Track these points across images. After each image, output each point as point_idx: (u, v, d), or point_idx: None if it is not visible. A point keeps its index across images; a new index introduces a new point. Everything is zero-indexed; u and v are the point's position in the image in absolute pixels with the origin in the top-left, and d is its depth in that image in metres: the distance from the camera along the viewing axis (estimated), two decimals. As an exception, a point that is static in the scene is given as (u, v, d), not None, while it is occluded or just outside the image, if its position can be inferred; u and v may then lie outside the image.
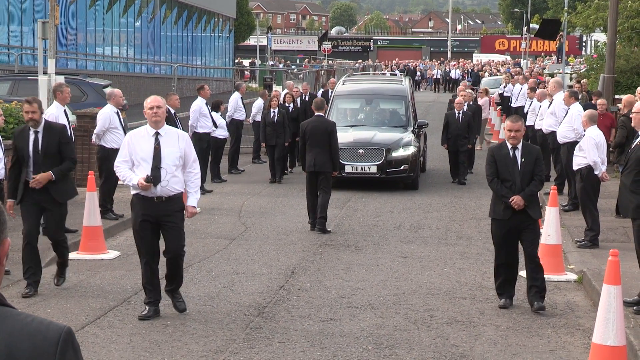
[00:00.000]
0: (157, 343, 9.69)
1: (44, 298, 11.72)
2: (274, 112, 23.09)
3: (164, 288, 10.77)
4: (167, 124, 19.21)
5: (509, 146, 10.94)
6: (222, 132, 22.77)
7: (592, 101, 22.28)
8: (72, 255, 14.19)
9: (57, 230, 11.76)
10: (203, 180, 21.16)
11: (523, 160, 10.91)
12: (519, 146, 10.95)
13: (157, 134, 10.35)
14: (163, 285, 10.77)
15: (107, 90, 20.31)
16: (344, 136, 20.41)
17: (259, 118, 24.86)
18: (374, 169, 20.83)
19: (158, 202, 10.33)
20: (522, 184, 10.82)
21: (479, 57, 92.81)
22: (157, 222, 10.42)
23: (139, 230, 10.48)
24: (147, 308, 10.55)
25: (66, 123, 15.61)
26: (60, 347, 2.71)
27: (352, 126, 22.35)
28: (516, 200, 10.68)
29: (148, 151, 10.30)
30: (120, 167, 10.50)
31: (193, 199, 10.63)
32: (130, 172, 10.35)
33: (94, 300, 11.65)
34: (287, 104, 24.96)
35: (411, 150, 21.21)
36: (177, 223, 10.52)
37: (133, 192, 10.47)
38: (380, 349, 9.82)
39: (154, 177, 10.10)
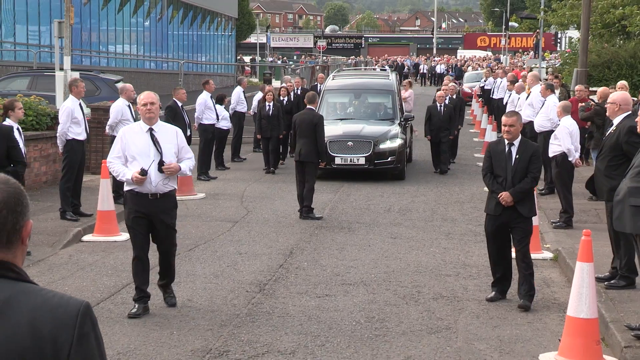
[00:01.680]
0: (166, 318, 9.71)
1: (62, 276, 11.74)
2: (269, 105, 22.94)
3: (156, 282, 10.24)
4: (174, 116, 19.47)
5: (506, 142, 10.39)
6: (225, 124, 22.78)
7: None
8: (88, 237, 14.25)
9: None
10: (208, 167, 21.24)
11: (518, 156, 10.29)
12: (516, 142, 10.34)
13: (151, 129, 9.71)
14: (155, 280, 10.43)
15: (119, 85, 20.29)
16: (334, 129, 20.27)
17: (259, 110, 24.84)
18: (362, 161, 20.54)
19: (152, 199, 9.72)
20: (513, 180, 10.22)
21: (463, 53, 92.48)
22: (151, 218, 9.79)
23: (132, 226, 9.87)
24: (137, 306, 9.87)
25: (81, 115, 15.66)
26: (80, 320, 2.72)
27: (341, 119, 22.09)
28: (504, 197, 10.11)
29: (142, 147, 9.64)
30: (113, 162, 9.81)
31: (183, 165, 9.81)
32: (124, 167, 9.68)
33: (108, 279, 11.68)
34: (281, 98, 24.76)
35: (398, 142, 20.92)
36: (170, 221, 9.89)
37: (127, 187, 9.86)
38: (371, 322, 9.84)
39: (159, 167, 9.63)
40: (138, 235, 9.85)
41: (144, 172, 9.42)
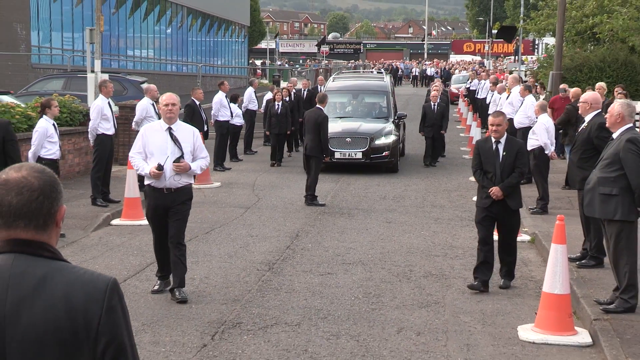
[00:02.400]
0: (185, 293, 9.71)
1: (93, 256, 11.75)
2: (277, 104, 22.91)
3: (167, 289, 9.75)
4: (193, 113, 19.48)
5: (493, 140, 10.13)
6: (238, 120, 22.76)
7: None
8: (116, 221, 14.27)
9: None
10: (223, 159, 21.24)
11: (505, 153, 10.03)
12: (502, 140, 10.10)
13: (169, 128, 9.41)
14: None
15: (144, 85, 20.27)
16: (334, 126, 20.09)
17: (269, 108, 24.80)
18: (359, 155, 20.37)
19: (167, 193, 9.40)
20: (502, 175, 9.94)
21: (456, 58, 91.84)
22: (167, 210, 9.47)
23: (151, 217, 9.67)
24: (159, 282, 9.83)
25: (110, 113, 15.67)
26: (108, 294, 2.74)
27: (340, 117, 21.87)
28: (494, 191, 9.86)
29: (160, 144, 9.37)
30: (134, 157, 9.55)
31: (194, 165, 9.46)
32: (144, 162, 9.41)
33: (133, 258, 11.69)
34: (284, 98, 24.60)
35: (392, 138, 20.74)
36: (183, 213, 9.53)
37: (146, 182, 9.57)
38: (368, 297, 9.85)
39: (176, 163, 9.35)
40: (156, 229, 9.67)
41: (160, 167, 9.24)
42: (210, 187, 18.13)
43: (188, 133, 9.58)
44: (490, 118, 10.34)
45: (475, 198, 11.09)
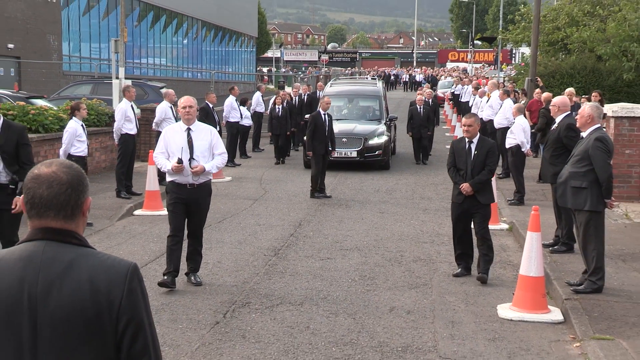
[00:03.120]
0: (200, 276, 9.69)
1: (118, 243, 11.73)
2: (278, 108, 22.82)
3: (184, 273, 9.48)
4: (206, 115, 19.45)
5: (466, 139, 9.75)
6: (247, 122, 22.76)
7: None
8: (138, 211, 14.25)
9: (10, 233, 8.40)
10: (233, 156, 21.21)
11: (476, 152, 9.62)
12: (475, 140, 9.69)
13: (188, 129, 9.15)
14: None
15: (163, 90, 20.23)
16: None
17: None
18: (354, 154, 20.15)
19: (190, 188, 9.09)
20: (472, 172, 9.56)
21: (451, 65, 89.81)
22: (188, 204, 9.16)
23: (172, 209, 9.22)
24: (166, 277, 9.15)
25: (133, 114, 15.66)
26: (129, 278, 2.74)
27: (337, 120, 21.51)
28: (464, 187, 9.52)
29: (180, 143, 9.06)
30: (157, 157, 9.29)
31: (208, 165, 9.12)
32: (166, 160, 9.11)
33: (154, 245, 11.67)
34: (283, 101, 24.44)
35: (384, 138, 20.57)
36: (204, 207, 9.29)
37: (169, 178, 9.21)
38: (364, 280, 9.84)
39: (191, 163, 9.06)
40: (176, 217, 9.20)
41: (180, 161, 9.02)
42: (222, 181, 18.10)
43: (206, 132, 9.37)
44: (462, 119, 9.99)
45: None
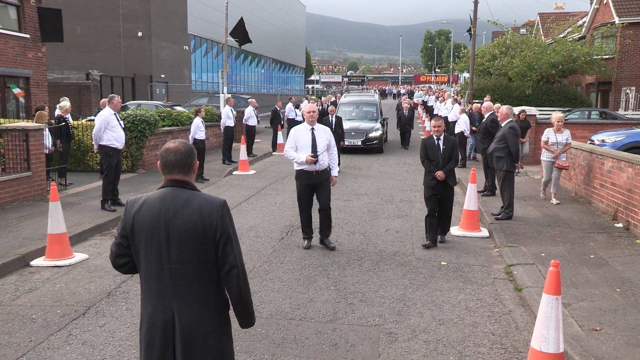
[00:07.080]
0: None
1: (223, 191, 11.58)
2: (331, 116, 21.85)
3: (318, 241, 7.68)
4: (275, 115, 19.16)
5: (435, 137, 8.03)
6: (300, 119, 22.23)
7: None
8: (235, 172, 14.08)
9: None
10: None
11: (444, 147, 7.99)
12: (442, 137, 8.02)
13: (312, 129, 7.22)
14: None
15: (249, 100, 19.83)
16: (344, 125, 18.86)
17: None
18: (359, 143, 19.19)
19: (316, 175, 7.21)
20: (443, 162, 7.88)
21: (422, 84, 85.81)
22: (314, 187, 7.31)
23: (302, 192, 7.35)
24: (306, 242, 7.52)
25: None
26: (221, 208, 2.72)
27: (348, 120, 20.49)
28: (439, 174, 7.73)
29: (307, 140, 7.17)
30: (288, 150, 7.23)
31: (335, 172, 7.38)
32: (296, 153, 7.17)
33: (246, 192, 11.45)
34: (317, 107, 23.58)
35: (379, 132, 19.59)
36: (327, 186, 7.33)
37: (297, 167, 7.26)
38: (370, 212, 9.62)
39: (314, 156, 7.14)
40: (305, 199, 7.38)
41: (315, 155, 7.14)
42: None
43: (324, 132, 7.35)
44: (432, 121, 8.41)
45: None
